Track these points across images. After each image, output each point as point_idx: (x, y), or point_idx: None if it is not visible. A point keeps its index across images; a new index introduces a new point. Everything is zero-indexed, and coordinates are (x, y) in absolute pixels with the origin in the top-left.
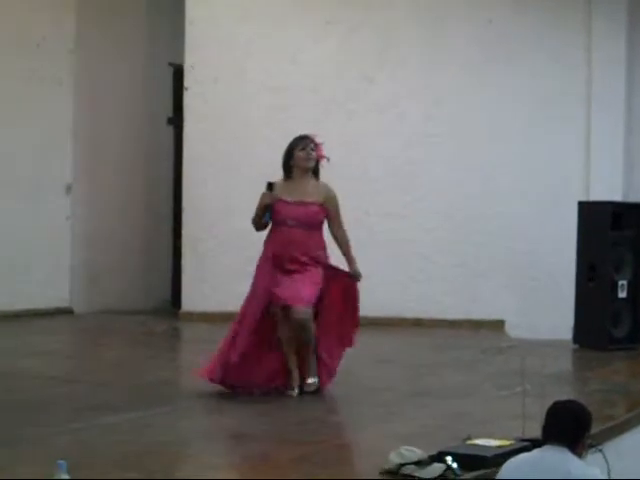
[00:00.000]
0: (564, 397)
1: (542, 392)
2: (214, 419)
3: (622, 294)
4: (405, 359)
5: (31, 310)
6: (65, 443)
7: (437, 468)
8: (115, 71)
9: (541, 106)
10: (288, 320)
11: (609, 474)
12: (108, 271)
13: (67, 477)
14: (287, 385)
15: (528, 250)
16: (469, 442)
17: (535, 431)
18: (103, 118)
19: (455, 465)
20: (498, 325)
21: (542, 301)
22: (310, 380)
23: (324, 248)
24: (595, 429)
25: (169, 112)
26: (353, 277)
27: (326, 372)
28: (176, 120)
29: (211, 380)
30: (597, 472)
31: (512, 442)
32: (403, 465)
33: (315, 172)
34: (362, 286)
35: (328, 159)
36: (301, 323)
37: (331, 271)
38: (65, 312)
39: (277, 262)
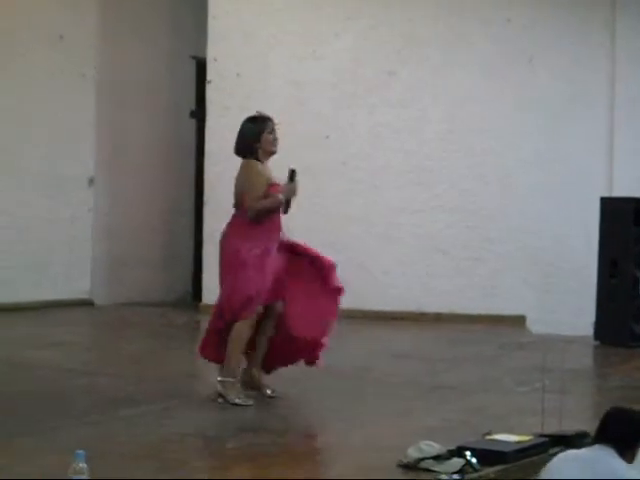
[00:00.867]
0: (584, 393)
1: (562, 388)
2: (233, 411)
3: None
4: (424, 354)
5: (52, 302)
6: (84, 434)
7: (456, 463)
8: (138, 65)
9: (563, 104)
10: (272, 317)
11: None
12: (129, 263)
13: (84, 465)
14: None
15: (549, 246)
16: (488, 437)
17: (554, 427)
18: (126, 111)
19: (474, 460)
20: (519, 321)
21: (563, 297)
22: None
23: None
24: None
25: (192, 105)
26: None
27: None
28: (198, 113)
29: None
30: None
31: (531, 438)
32: (422, 459)
33: None
34: (382, 281)
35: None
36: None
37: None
38: (86, 304)
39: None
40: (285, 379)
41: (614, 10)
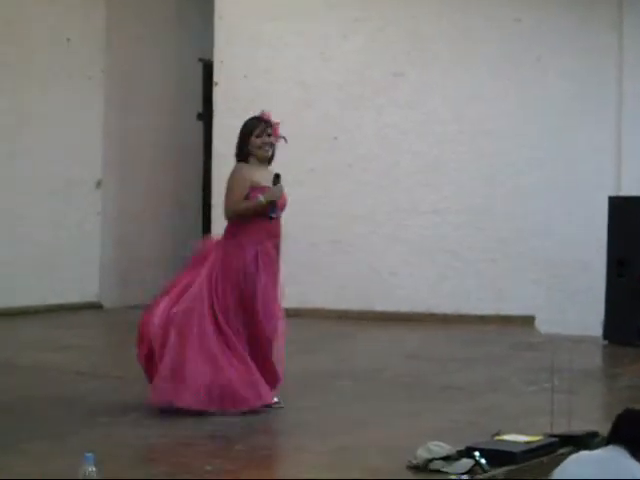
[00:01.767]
0: (593, 393)
1: (571, 388)
2: (246, 413)
3: None
4: (434, 354)
5: (61, 305)
6: (94, 437)
7: (465, 463)
8: (145, 67)
9: (571, 103)
10: None
11: None
12: (138, 266)
13: (93, 469)
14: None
15: (558, 246)
16: (498, 437)
17: (563, 427)
18: (133, 114)
19: (483, 461)
20: (528, 321)
21: (572, 297)
22: None
23: None
24: None
25: (199, 107)
26: None
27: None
28: (206, 116)
29: None
30: None
31: (540, 438)
32: (431, 460)
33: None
34: (391, 282)
35: (285, 139)
36: None
37: None
38: (95, 307)
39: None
40: (294, 380)
41: (621, 10)
